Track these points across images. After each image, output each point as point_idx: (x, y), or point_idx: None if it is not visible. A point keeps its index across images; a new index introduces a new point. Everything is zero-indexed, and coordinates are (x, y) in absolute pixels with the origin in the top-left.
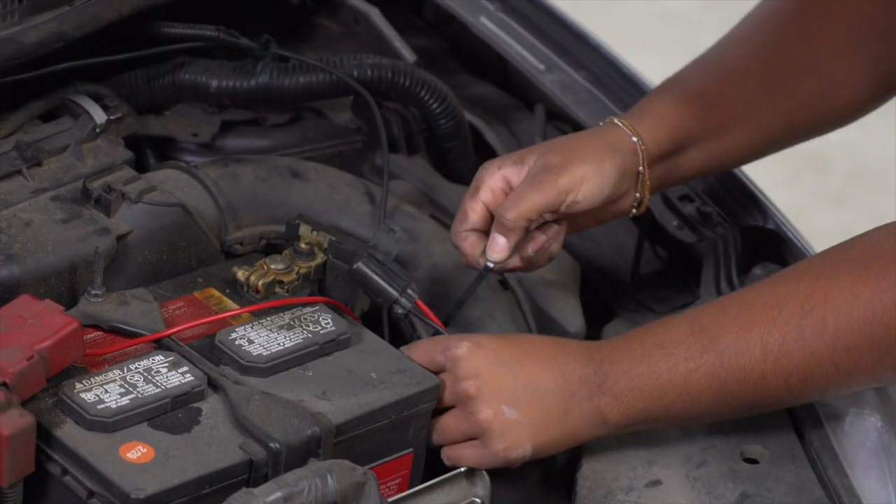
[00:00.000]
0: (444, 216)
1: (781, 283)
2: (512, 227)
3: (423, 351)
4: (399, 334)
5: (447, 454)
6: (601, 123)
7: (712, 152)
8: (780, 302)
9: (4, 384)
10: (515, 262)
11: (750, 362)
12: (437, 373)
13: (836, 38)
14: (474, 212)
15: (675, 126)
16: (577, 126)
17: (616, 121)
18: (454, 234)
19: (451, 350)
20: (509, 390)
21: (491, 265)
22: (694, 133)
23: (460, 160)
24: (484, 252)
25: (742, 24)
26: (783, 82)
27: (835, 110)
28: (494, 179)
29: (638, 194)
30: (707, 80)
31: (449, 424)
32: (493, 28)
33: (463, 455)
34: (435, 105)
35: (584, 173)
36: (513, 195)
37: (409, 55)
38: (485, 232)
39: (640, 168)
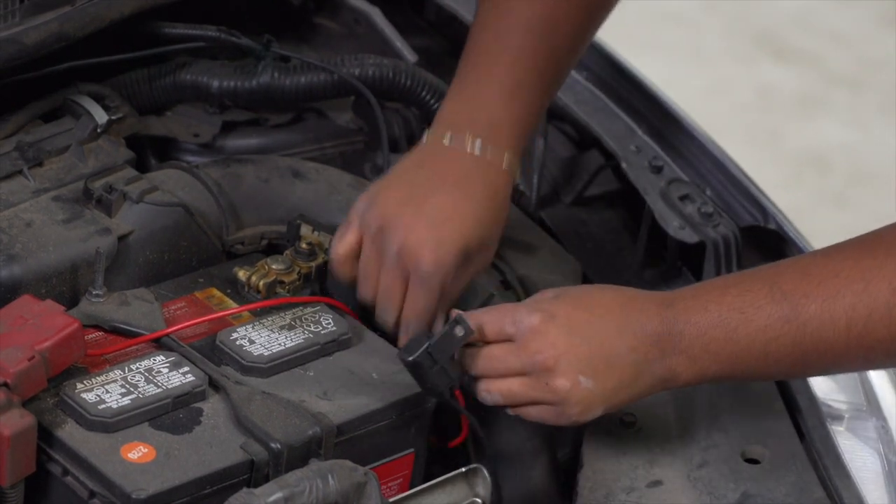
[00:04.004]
0: None
1: (868, 255)
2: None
3: (492, 320)
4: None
5: (514, 411)
6: None
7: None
8: (867, 276)
9: (5, 384)
10: None
11: (834, 335)
12: (501, 341)
13: None
14: None
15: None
16: (578, 126)
17: None
18: None
19: (522, 322)
20: (584, 360)
21: None
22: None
23: None
24: None
25: None
26: None
27: None
28: None
29: None
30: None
31: (519, 391)
32: None
33: (533, 414)
34: (436, 105)
35: None
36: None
37: (410, 55)
38: None
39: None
